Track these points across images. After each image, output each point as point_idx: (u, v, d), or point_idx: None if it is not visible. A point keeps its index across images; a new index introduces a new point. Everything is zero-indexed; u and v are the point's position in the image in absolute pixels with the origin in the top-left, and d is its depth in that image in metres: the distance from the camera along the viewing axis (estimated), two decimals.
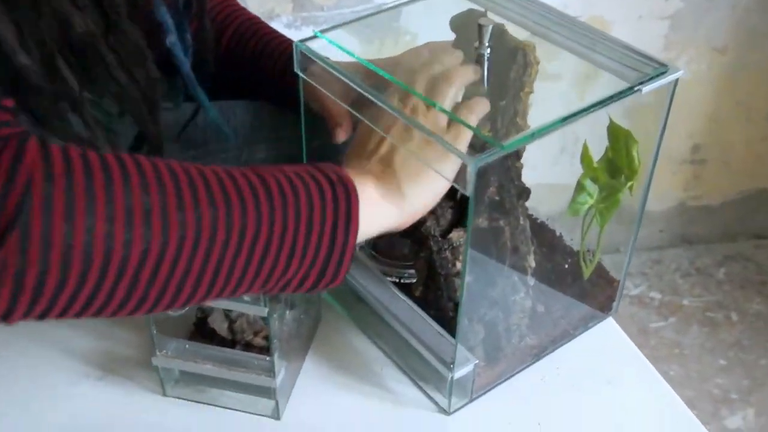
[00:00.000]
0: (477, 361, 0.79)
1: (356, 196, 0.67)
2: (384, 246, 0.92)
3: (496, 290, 0.82)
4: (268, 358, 0.78)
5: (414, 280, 0.86)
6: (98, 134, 0.70)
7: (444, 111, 0.72)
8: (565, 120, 0.69)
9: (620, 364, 0.88)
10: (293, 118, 0.87)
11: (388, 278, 0.87)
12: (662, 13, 1.74)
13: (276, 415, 0.81)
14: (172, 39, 0.83)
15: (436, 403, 0.83)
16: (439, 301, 0.82)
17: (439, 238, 0.81)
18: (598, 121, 0.81)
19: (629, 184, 0.81)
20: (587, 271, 0.89)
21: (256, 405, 0.81)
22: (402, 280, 0.88)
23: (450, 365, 0.77)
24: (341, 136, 0.84)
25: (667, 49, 1.77)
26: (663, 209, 2.12)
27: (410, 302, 0.83)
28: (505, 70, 0.80)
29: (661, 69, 0.75)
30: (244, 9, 1.01)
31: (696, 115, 1.92)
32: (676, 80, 0.76)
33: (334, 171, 0.68)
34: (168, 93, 0.86)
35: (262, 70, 0.95)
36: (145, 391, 0.84)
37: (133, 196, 0.57)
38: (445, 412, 0.82)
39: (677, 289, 2.11)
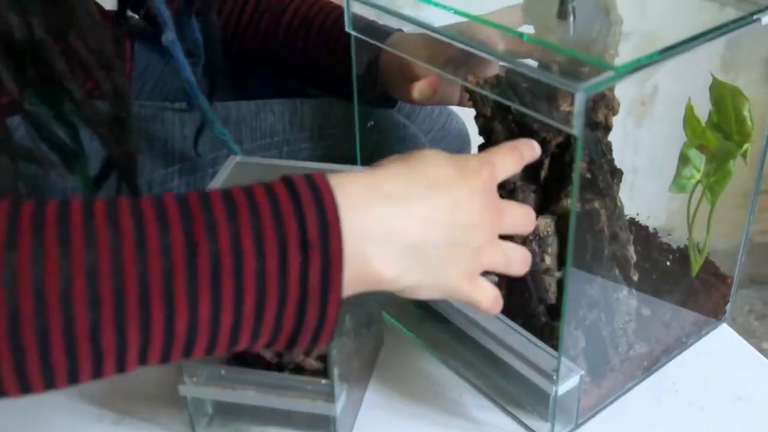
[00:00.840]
0: (582, 372, 0.66)
1: (339, 257, 0.49)
2: None
3: (595, 287, 0.70)
4: (324, 381, 0.66)
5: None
6: (44, 151, 0.62)
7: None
8: (683, 44, 0.58)
9: (749, 377, 0.75)
10: (340, 113, 0.79)
11: None
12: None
13: None
14: (169, 37, 0.76)
15: (533, 431, 0.70)
16: (526, 305, 0.70)
17: None
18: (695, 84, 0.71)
19: (744, 147, 0.70)
20: (696, 265, 0.76)
21: None
22: None
23: (552, 378, 0.65)
24: (425, 90, 0.75)
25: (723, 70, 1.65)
26: (727, 247, 1.96)
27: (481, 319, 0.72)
28: (587, 30, 0.71)
29: None
30: None
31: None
32: None
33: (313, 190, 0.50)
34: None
35: (335, 44, 0.88)
36: None
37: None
38: None
39: (754, 332, 1.99)
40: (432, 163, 0.56)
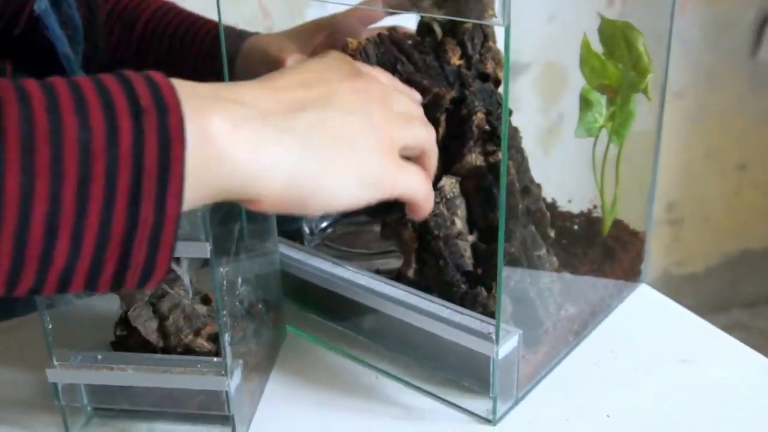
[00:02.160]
0: (520, 332, 0.61)
1: (179, 127, 0.41)
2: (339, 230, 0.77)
3: (514, 245, 0.66)
4: (216, 359, 0.58)
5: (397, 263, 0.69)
6: None
7: None
8: None
9: (688, 338, 0.71)
10: None
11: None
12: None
13: None
14: (41, 4, 0.68)
15: (469, 412, 0.63)
16: (442, 273, 0.65)
17: None
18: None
19: (645, 80, 0.68)
20: (609, 218, 0.74)
21: None
22: (380, 269, 0.71)
23: (492, 339, 0.59)
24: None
25: (633, 169, 1.73)
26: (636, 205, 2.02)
27: (404, 288, 0.66)
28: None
29: None
30: None
31: (666, 169, 1.85)
32: None
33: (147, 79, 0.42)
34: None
35: (186, 55, 0.83)
36: None
37: None
38: (488, 420, 0.62)
39: None
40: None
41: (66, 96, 0.39)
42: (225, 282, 0.56)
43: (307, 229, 0.78)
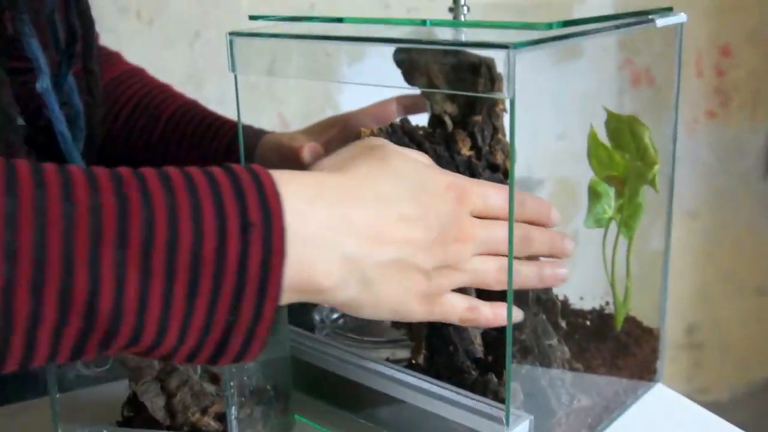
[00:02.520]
0: (532, 417, 0.61)
1: (281, 242, 0.46)
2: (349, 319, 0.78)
3: (525, 333, 0.66)
4: None
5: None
6: None
7: None
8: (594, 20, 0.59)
9: None
10: None
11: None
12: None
13: None
14: (44, 83, 0.71)
15: None
16: (452, 361, 0.65)
17: None
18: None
19: (653, 171, 0.70)
20: (621, 312, 0.74)
21: None
22: (390, 358, 0.71)
23: (502, 421, 0.59)
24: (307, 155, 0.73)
25: (644, 264, 1.74)
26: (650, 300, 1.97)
27: (414, 374, 0.66)
28: (472, 86, 0.72)
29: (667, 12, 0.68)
30: (182, 95, 0.95)
31: (684, 291, 1.84)
32: (682, 24, 0.70)
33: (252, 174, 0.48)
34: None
35: (206, 150, 0.86)
36: None
37: None
38: None
39: None
40: (393, 168, 0.55)
41: (185, 203, 0.44)
42: None
43: (318, 319, 0.78)
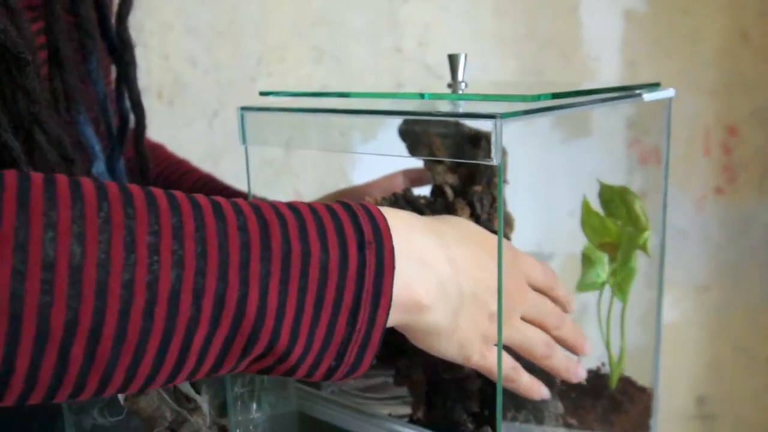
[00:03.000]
0: None
1: (391, 260, 0.54)
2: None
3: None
4: None
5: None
6: None
7: None
8: (584, 93, 0.64)
9: None
10: None
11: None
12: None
13: None
14: (98, 168, 0.77)
15: None
16: (450, 414, 0.69)
17: None
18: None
19: (645, 236, 0.74)
20: (616, 372, 0.78)
21: None
22: (392, 414, 0.75)
23: None
24: None
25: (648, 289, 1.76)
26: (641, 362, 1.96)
27: (416, 429, 0.69)
28: (472, 157, 0.76)
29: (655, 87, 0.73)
30: (199, 169, 1.01)
31: (694, 364, 1.85)
32: (671, 99, 0.75)
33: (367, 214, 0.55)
34: None
35: None
36: None
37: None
38: None
39: None
40: (464, 224, 0.64)
41: (312, 223, 0.52)
42: (239, 403, 0.61)
43: None
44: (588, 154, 0.91)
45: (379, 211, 0.55)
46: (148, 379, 0.47)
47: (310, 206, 0.53)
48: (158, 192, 0.48)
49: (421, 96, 0.65)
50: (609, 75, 1.66)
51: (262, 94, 0.71)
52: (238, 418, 0.61)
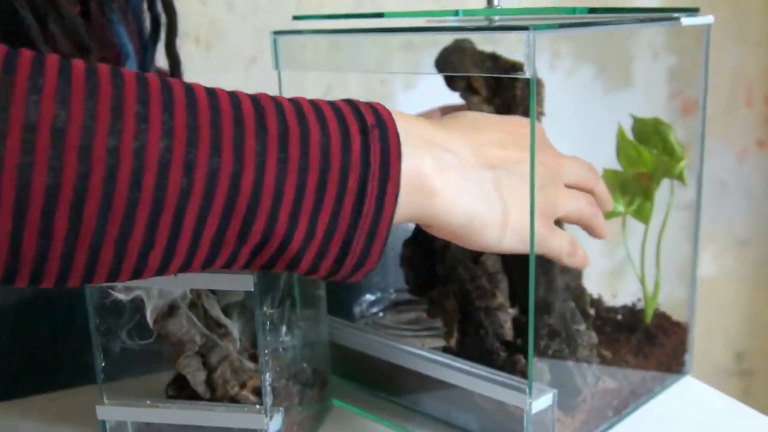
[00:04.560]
0: (555, 390, 0.63)
1: (396, 142, 0.51)
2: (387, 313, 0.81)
3: (554, 317, 0.68)
4: (259, 406, 0.61)
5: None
6: None
7: None
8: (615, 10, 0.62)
9: (734, 422, 0.71)
10: None
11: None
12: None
13: None
14: (131, 67, 0.76)
15: None
16: (483, 342, 0.68)
17: (471, 264, 0.69)
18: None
19: (680, 165, 0.72)
20: (651, 305, 0.76)
21: None
22: (425, 345, 0.74)
23: (525, 391, 0.61)
24: None
25: (674, 261, 1.73)
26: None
27: (448, 357, 0.68)
28: (509, 89, 0.75)
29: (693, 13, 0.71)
30: None
31: (733, 319, 1.82)
32: (709, 27, 0.72)
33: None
34: None
35: None
36: None
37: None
38: None
39: None
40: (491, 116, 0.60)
41: (311, 112, 0.49)
42: (269, 324, 0.60)
43: (357, 312, 0.82)
44: (629, 105, 0.89)
45: (382, 105, 0.53)
46: (139, 259, 0.46)
47: (309, 99, 0.51)
48: (150, 75, 0.46)
49: (456, 13, 0.63)
50: None
51: (296, 18, 0.70)
52: (267, 338, 0.60)
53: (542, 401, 0.62)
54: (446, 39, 0.68)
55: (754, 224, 1.74)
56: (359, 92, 1.37)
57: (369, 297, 0.85)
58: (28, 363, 0.84)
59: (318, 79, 1.12)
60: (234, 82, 1.22)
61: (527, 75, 0.55)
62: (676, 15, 0.68)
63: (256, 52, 1.30)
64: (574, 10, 0.57)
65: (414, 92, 1.35)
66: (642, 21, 0.65)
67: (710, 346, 1.77)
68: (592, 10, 0.59)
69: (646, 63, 1.29)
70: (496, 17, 0.66)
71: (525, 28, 0.54)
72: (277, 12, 1.30)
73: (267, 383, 0.60)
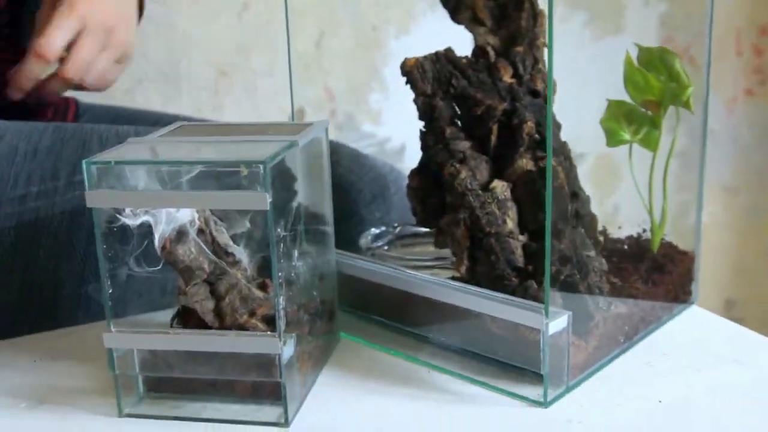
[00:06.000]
0: (570, 312, 0.62)
1: None
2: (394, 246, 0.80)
3: (564, 243, 0.67)
4: (271, 332, 0.60)
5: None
6: None
7: None
8: None
9: (741, 345, 0.71)
10: None
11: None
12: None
13: (284, 419, 0.60)
14: None
15: (521, 397, 0.63)
16: (493, 270, 0.67)
17: (480, 192, 0.68)
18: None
19: (687, 93, 0.71)
20: (658, 234, 0.75)
21: (256, 413, 0.61)
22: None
23: (542, 312, 0.60)
24: None
25: (680, 190, 1.74)
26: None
27: (460, 284, 0.67)
28: (514, 19, 0.73)
29: None
30: None
31: (722, 266, 1.83)
32: None
33: None
34: None
35: None
36: (96, 415, 0.62)
37: None
38: (539, 403, 0.62)
39: None
40: None
41: None
42: (282, 246, 0.59)
43: (363, 245, 0.81)
44: (619, 53, 0.88)
45: None
46: None
47: None
48: None
49: None
50: None
51: None
52: (280, 261, 0.58)
53: (558, 323, 0.61)
54: None
55: (742, 172, 1.74)
56: (351, 38, 1.35)
57: (374, 231, 0.84)
58: (28, 294, 0.82)
59: (311, 21, 1.10)
60: (226, 29, 1.20)
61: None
62: None
63: None
64: None
65: (407, 38, 1.33)
66: None
67: (700, 294, 1.78)
68: None
69: (637, 11, 1.28)
70: None
71: None
72: None
73: (280, 307, 0.58)
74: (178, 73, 0.98)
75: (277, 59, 1.31)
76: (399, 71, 0.72)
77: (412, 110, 0.73)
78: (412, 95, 0.72)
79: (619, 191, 0.81)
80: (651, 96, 0.72)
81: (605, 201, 1.00)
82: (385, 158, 1.30)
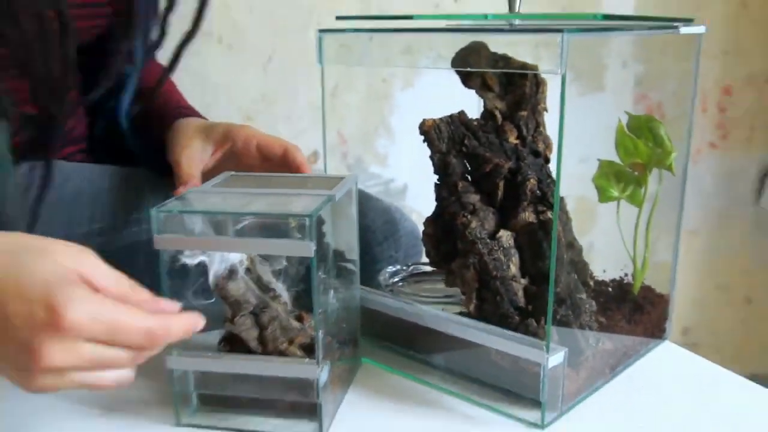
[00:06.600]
0: (566, 349, 0.66)
1: None
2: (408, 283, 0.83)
3: (560, 287, 0.71)
4: (309, 360, 0.64)
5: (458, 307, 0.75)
6: None
7: None
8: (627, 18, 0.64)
9: (704, 377, 0.76)
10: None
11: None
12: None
13: None
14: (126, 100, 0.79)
15: (521, 420, 0.67)
16: (498, 309, 0.71)
17: (488, 240, 0.72)
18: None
19: (671, 157, 0.76)
20: (639, 278, 0.79)
21: (294, 428, 0.65)
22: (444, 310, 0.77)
23: (543, 348, 0.65)
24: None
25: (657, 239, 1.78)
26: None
27: (469, 320, 0.71)
28: (519, 86, 0.78)
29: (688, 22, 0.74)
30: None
31: (682, 299, 1.87)
32: (701, 35, 0.76)
33: None
34: None
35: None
36: (157, 423, 0.67)
37: None
38: (537, 425, 0.66)
39: None
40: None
41: None
42: (322, 287, 0.62)
43: (382, 281, 0.84)
44: (600, 107, 0.92)
45: None
46: None
47: None
48: None
49: (485, 17, 0.65)
50: None
51: (339, 18, 0.72)
52: (320, 299, 0.62)
53: (556, 357, 0.65)
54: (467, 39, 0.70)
55: (703, 216, 1.79)
56: (362, 89, 1.39)
57: (390, 269, 0.87)
58: None
59: (328, 74, 1.15)
60: (253, 78, 1.23)
61: (560, 72, 0.58)
62: (675, 24, 0.71)
63: (272, 52, 1.32)
64: (595, 16, 0.60)
65: (412, 90, 1.37)
66: (650, 28, 0.68)
67: None
68: (606, 17, 0.61)
69: (616, 71, 1.32)
70: (517, 21, 0.69)
71: (559, 30, 0.57)
72: (291, 15, 1.32)
73: (320, 339, 0.62)
74: (209, 117, 1.01)
75: (296, 106, 1.35)
76: (403, 120, 0.76)
77: (415, 155, 0.76)
78: (415, 142, 0.76)
79: (593, 231, 0.84)
80: (639, 159, 0.76)
81: (582, 239, 1.03)
82: (389, 196, 1.35)
